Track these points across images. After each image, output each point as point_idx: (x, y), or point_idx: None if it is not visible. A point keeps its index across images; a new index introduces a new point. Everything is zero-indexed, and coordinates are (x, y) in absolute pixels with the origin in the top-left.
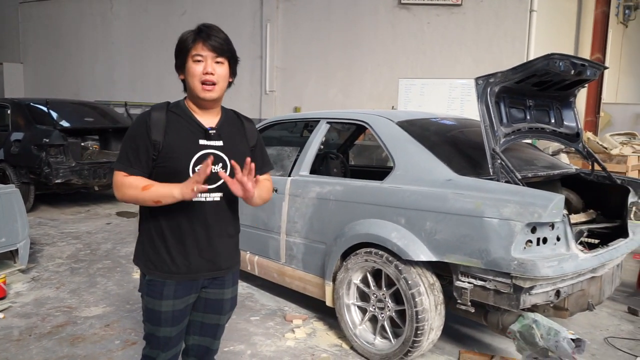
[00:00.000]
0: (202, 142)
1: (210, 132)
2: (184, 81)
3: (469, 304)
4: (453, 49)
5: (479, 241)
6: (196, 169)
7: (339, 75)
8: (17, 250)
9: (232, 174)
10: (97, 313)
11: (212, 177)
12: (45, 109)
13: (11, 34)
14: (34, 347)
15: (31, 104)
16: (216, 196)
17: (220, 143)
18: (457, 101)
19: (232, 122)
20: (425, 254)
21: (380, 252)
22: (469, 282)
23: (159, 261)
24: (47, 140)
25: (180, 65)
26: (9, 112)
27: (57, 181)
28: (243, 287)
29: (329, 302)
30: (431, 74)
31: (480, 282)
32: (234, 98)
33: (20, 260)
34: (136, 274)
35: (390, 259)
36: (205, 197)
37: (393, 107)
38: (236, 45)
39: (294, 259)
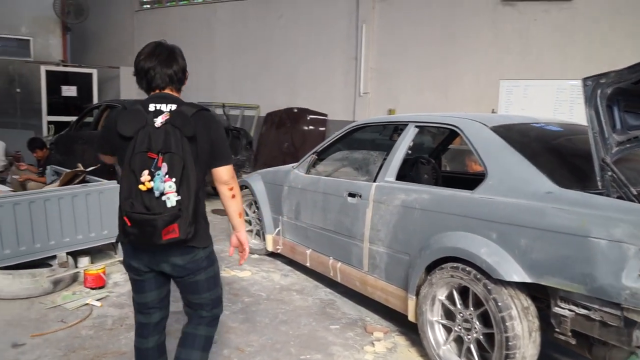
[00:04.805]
0: None
1: None
2: None
3: (569, 334)
4: (562, 47)
5: (582, 264)
6: None
7: (436, 76)
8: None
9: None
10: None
11: None
12: None
13: (127, 40)
14: (123, 338)
15: None
16: None
17: None
18: (565, 104)
19: None
20: (518, 274)
21: (468, 269)
22: (569, 310)
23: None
24: None
25: None
26: None
27: None
28: (326, 293)
29: (411, 317)
30: (537, 75)
31: (583, 311)
32: (327, 100)
33: (119, 252)
34: (224, 272)
35: (478, 276)
36: None
37: (493, 110)
38: (331, 47)
39: (376, 268)
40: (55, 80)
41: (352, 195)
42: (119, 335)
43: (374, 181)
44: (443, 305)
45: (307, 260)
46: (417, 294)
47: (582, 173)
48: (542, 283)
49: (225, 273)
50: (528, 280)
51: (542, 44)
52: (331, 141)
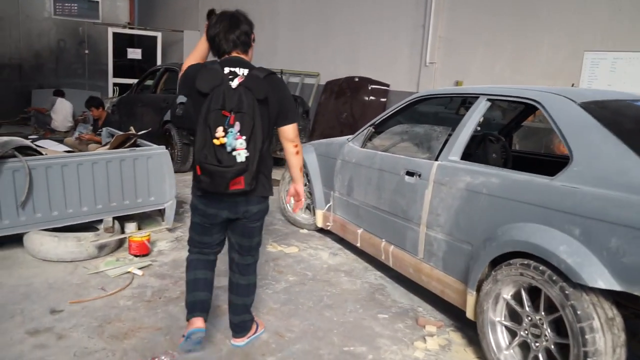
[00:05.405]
0: None
1: None
2: None
3: None
4: None
5: None
6: None
7: (509, 47)
8: (164, 209)
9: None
10: (225, 284)
11: None
12: None
13: (192, 5)
14: (160, 311)
15: None
16: None
17: None
18: None
19: None
20: (605, 281)
21: (542, 268)
22: None
23: None
24: None
25: None
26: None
27: None
28: (376, 277)
29: (469, 314)
30: (628, 47)
31: None
32: (391, 70)
33: (166, 220)
34: (270, 246)
35: (554, 278)
36: None
37: (573, 85)
38: (397, 14)
39: (433, 256)
40: (122, 42)
41: (410, 174)
42: (157, 308)
43: (436, 160)
44: (508, 305)
45: (358, 241)
46: (479, 290)
47: None
48: (636, 293)
49: (272, 248)
50: (617, 288)
51: (637, 12)
52: (390, 113)
